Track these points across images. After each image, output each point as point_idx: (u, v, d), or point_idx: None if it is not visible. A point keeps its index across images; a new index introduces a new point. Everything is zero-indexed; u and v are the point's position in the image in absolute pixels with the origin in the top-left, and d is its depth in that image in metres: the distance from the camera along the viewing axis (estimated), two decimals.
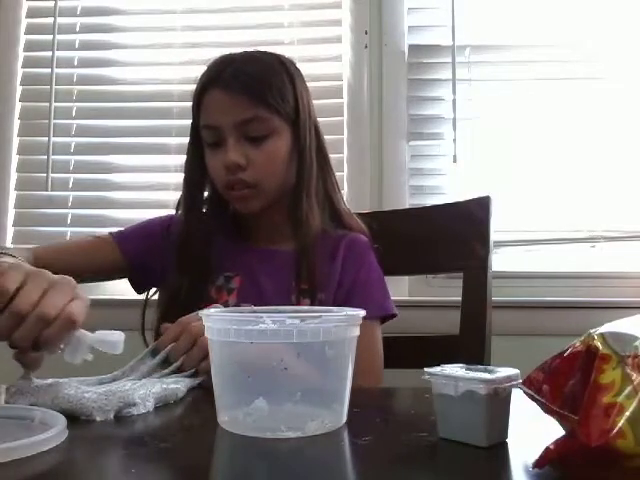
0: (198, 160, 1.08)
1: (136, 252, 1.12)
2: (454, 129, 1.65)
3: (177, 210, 1.14)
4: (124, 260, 1.11)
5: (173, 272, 1.06)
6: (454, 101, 1.65)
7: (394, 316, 1.09)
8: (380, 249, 1.14)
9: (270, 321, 0.58)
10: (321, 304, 1.02)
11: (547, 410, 0.49)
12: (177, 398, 0.74)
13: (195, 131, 1.08)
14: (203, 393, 0.67)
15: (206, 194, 1.14)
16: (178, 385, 0.75)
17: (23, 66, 1.82)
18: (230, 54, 1.07)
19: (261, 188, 1.04)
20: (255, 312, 0.65)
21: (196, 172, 1.09)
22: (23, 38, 1.82)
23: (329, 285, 1.05)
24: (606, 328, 0.48)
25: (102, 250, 1.11)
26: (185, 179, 1.12)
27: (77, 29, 1.83)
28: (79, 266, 1.06)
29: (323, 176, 1.11)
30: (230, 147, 1.01)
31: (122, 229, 1.18)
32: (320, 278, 1.03)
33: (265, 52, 1.09)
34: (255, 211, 1.07)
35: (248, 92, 1.00)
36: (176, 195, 1.64)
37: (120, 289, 1.43)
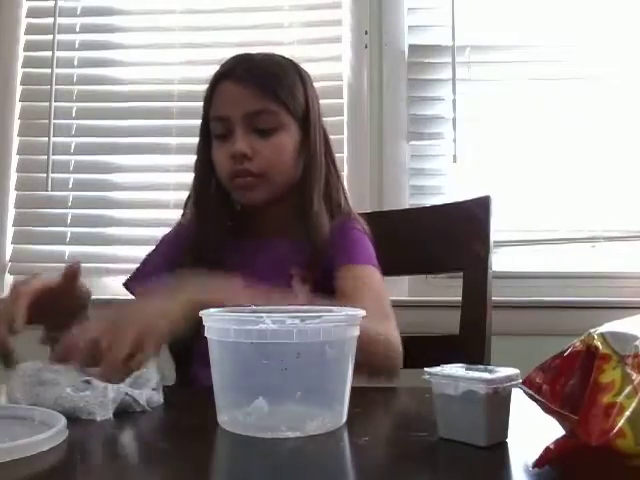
0: (208, 156, 1.09)
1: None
2: (454, 129, 1.65)
3: (184, 212, 1.14)
4: None
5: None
6: (454, 101, 1.65)
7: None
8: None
9: (270, 321, 0.58)
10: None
11: (547, 410, 0.49)
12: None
13: (205, 127, 1.10)
14: (203, 393, 0.67)
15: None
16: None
17: (23, 66, 1.82)
18: (247, 53, 1.09)
19: (265, 179, 1.04)
20: (255, 312, 0.65)
21: (205, 168, 1.10)
22: (23, 38, 1.82)
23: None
24: (606, 328, 0.48)
25: None
26: (195, 179, 1.12)
27: (77, 29, 1.83)
28: None
29: (328, 179, 1.11)
30: (238, 137, 1.03)
31: (135, 273, 1.13)
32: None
33: (282, 56, 1.12)
34: (258, 203, 1.07)
35: (258, 85, 1.03)
36: (176, 195, 1.66)
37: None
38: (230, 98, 1.04)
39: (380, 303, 0.99)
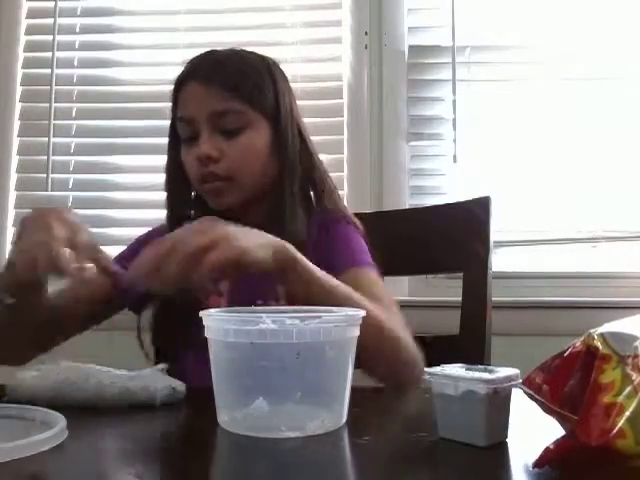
0: (177, 158, 1.04)
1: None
2: (454, 129, 1.65)
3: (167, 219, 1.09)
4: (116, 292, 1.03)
5: None
6: (454, 101, 1.65)
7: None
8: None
9: (270, 321, 0.58)
10: None
11: (547, 410, 0.49)
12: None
13: (173, 130, 1.06)
14: (203, 393, 0.67)
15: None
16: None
17: (23, 67, 1.82)
18: (212, 50, 1.05)
19: (235, 181, 1.00)
20: (255, 312, 0.65)
21: (177, 173, 1.05)
22: (23, 39, 1.82)
23: None
24: (606, 328, 0.49)
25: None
26: (166, 182, 1.08)
27: (77, 30, 1.83)
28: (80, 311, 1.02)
29: (308, 178, 1.06)
30: (203, 139, 0.98)
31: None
32: None
33: (249, 51, 1.07)
34: (230, 206, 1.02)
35: (222, 84, 0.98)
36: None
37: None
38: (194, 99, 1.00)
39: (398, 315, 0.96)
